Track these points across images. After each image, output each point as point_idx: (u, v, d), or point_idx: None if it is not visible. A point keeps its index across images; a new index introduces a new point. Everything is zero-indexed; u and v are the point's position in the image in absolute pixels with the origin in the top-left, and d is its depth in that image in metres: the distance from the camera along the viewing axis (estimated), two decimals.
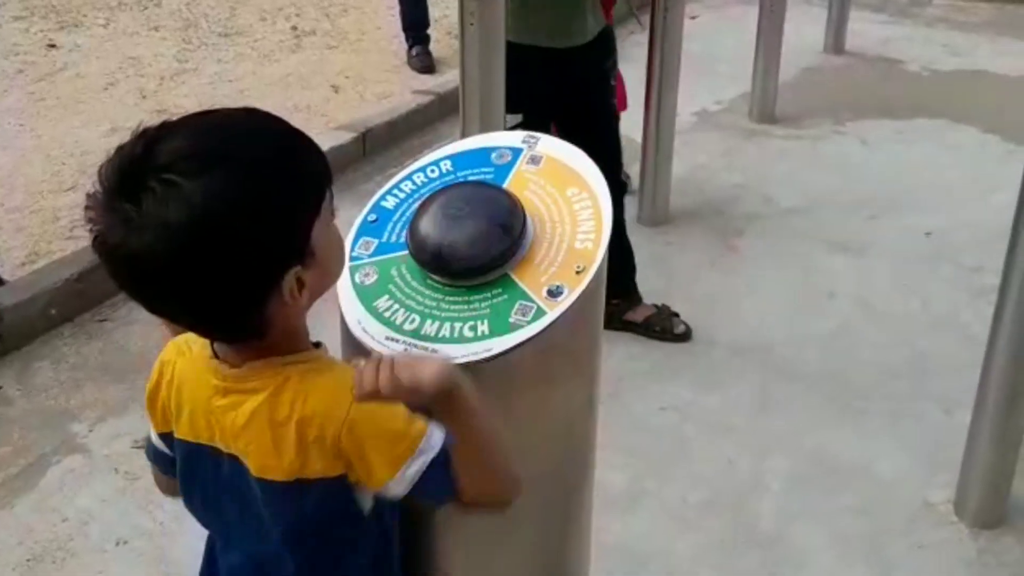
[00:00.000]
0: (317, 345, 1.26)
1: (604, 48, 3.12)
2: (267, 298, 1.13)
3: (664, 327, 3.25)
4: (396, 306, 1.40)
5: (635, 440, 2.74)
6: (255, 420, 1.19)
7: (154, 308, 1.15)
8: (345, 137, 4.44)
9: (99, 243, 1.08)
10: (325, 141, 4.19)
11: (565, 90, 3.04)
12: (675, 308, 3.30)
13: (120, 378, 3.03)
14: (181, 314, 1.16)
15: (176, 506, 2.53)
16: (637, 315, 3.26)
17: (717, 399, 2.97)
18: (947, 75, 5.64)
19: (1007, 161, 4.30)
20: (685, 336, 3.24)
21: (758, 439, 2.80)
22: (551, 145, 1.62)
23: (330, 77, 5.30)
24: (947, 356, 3.11)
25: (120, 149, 1.09)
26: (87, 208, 1.09)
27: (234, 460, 1.23)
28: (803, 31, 5.67)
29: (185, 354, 1.27)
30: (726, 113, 5.07)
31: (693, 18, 5.75)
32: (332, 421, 1.17)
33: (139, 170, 1.06)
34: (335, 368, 1.23)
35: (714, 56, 5.55)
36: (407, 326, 1.36)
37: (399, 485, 1.20)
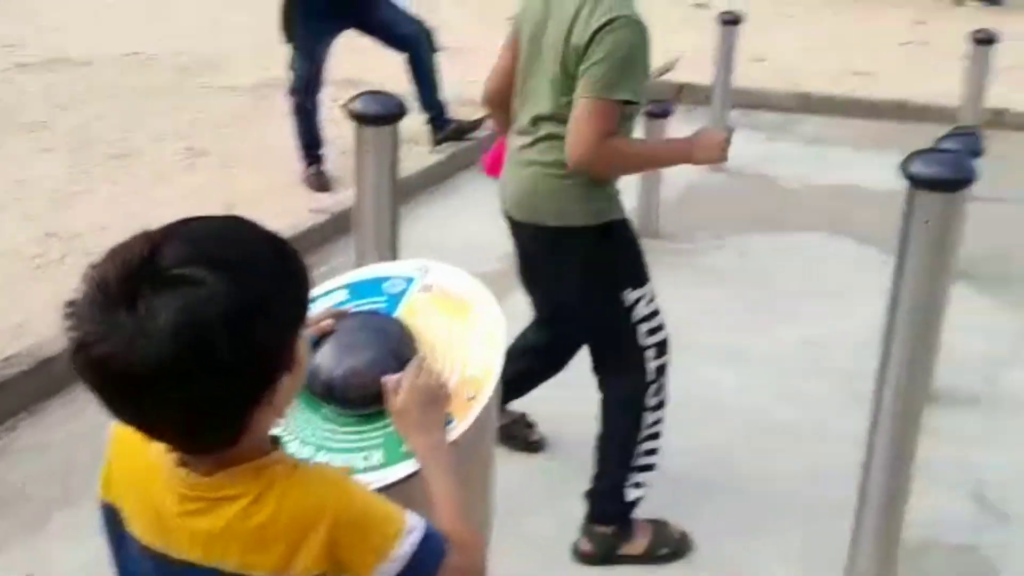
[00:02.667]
0: (275, 440, 1.25)
1: None
2: (255, 406, 1.12)
3: (522, 436, 3.26)
4: (291, 437, 1.42)
5: (528, 558, 2.75)
6: (235, 524, 1.16)
7: (133, 419, 1.10)
8: None
9: (85, 350, 1.03)
10: None
11: None
12: (569, 421, 3.34)
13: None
14: (166, 425, 1.11)
15: None
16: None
17: None
18: (822, 189, 5.94)
19: (880, 271, 4.49)
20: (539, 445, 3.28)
21: None
22: (444, 274, 1.67)
23: (225, 197, 5.31)
24: (830, 463, 3.22)
25: (116, 255, 1.05)
26: (71, 314, 1.04)
27: (187, 567, 1.20)
28: None
29: (139, 452, 1.22)
30: None
31: None
32: (323, 513, 1.17)
33: (142, 275, 1.03)
34: (311, 466, 1.25)
35: None
36: (301, 457, 1.38)
37: (393, 564, 1.20)
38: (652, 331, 2.69)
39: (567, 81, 2.45)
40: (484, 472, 1.61)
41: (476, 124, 6.19)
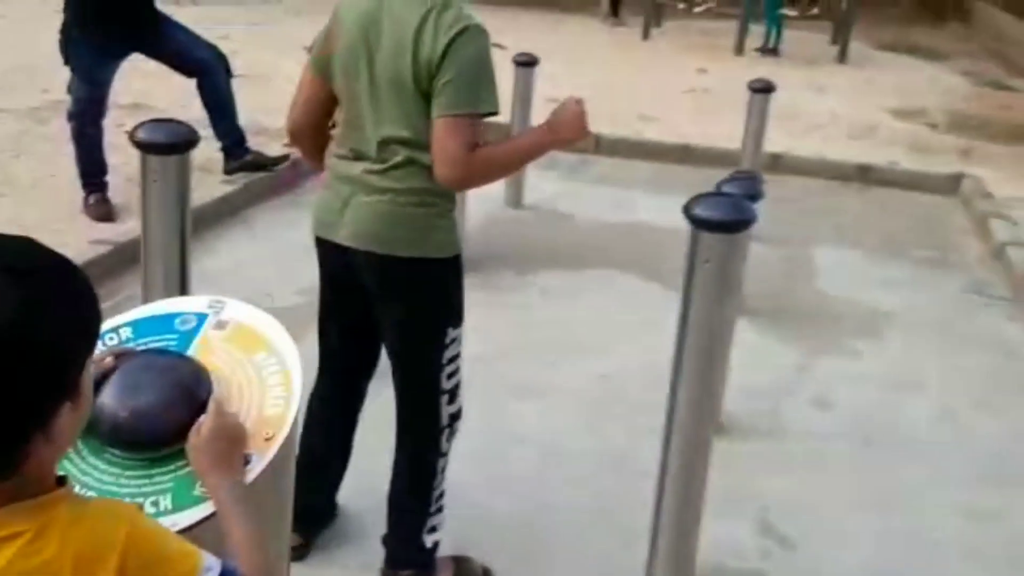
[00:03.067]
0: (62, 480, 1.19)
1: None
2: (35, 432, 1.08)
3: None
4: (70, 484, 1.33)
5: None
6: (16, 564, 1.09)
7: None
8: None
9: None
10: None
11: None
12: (372, 457, 3.29)
13: None
14: None
15: None
16: None
17: None
18: (613, 227, 6.14)
19: (666, 306, 4.68)
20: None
21: None
22: (238, 310, 1.62)
23: None
24: (625, 494, 3.30)
25: None
26: None
27: None
28: (485, 186, 5.99)
29: None
30: None
31: None
32: (112, 549, 1.11)
33: None
34: (98, 501, 1.22)
35: None
36: None
37: None
38: (451, 374, 2.64)
39: (421, 100, 2.36)
40: (281, 510, 1.56)
41: (278, 160, 6.05)
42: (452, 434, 2.70)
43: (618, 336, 4.55)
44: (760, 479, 3.49)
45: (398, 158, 2.43)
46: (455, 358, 2.64)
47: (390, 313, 2.61)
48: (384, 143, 2.44)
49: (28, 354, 1.04)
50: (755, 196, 3.41)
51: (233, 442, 1.39)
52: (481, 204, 5.61)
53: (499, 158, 2.47)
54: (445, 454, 2.71)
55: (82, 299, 1.14)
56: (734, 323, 2.64)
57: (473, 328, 4.50)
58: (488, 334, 4.48)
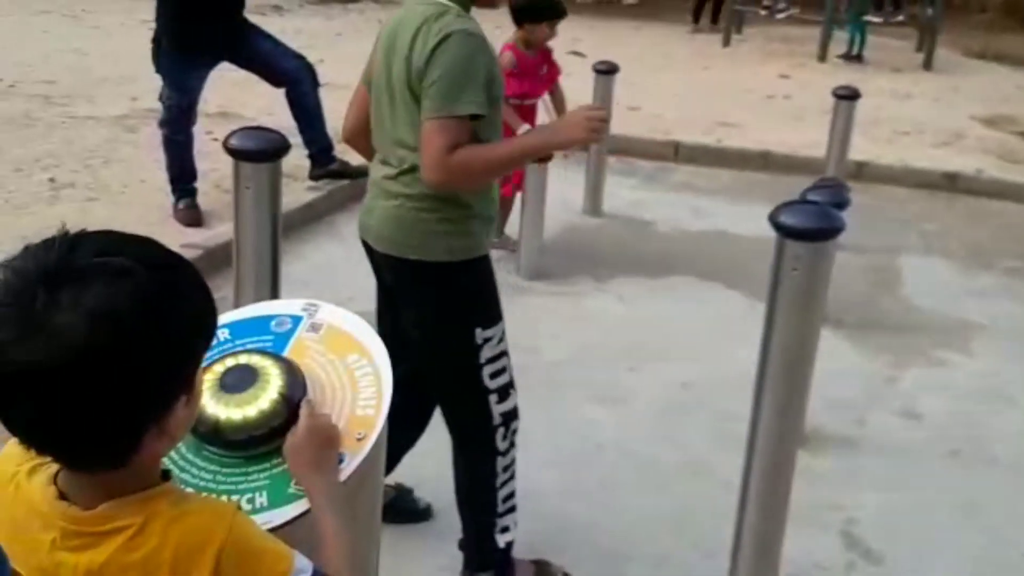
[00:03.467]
0: (166, 474, 1.22)
1: None
2: (151, 424, 1.10)
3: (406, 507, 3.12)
4: (173, 479, 1.37)
5: None
6: (118, 557, 1.12)
7: (23, 421, 1.07)
8: None
9: None
10: None
11: None
12: (445, 461, 3.31)
13: None
14: (57, 431, 1.07)
15: None
16: None
17: None
18: (693, 235, 6.10)
19: (749, 315, 4.65)
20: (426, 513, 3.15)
21: None
22: (331, 313, 1.65)
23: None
24: (706, 503, 3.27)
25: (32, 248, 1.05)
26: None
27: None
28: (564, 194, 6.02)
29: (18, 495, 1.18)
30: (495, 270, 5.24)
31: None
32: (211, 545, 1.13)
33: (60, 267, 1.03)
34: (199, 497, 1.24)
35: None
36: None
37: None
38: (495, 374, 2.62)
39: (417, 106, 2.42)
40: (371, 509, 1.59)
41: (361, 171, 6.12)
42: (509, 433, 2.69)
43: (699, 344, 4.52)
44: (845, 491, 3.43)
45: (407, 164, 2.50)
46: (497, 358, 2.62)
47: (407, 316, 2.66)
48: (396, 148, 2.53)
49: (152, 347, 1.06)
50: (841, 204, 3.36)
51: (327, 443, 1.41)
52: (559, 212, 5.63)
53: (481, 159, 2.45)
54: (504, 452, 2.68)
55: (201, 296, 1.17)
56: (819, 332, 2.59)
57: (552, 335, 4.56)
58: (567, 340, 4.49)
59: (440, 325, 2.61)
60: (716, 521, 3.02)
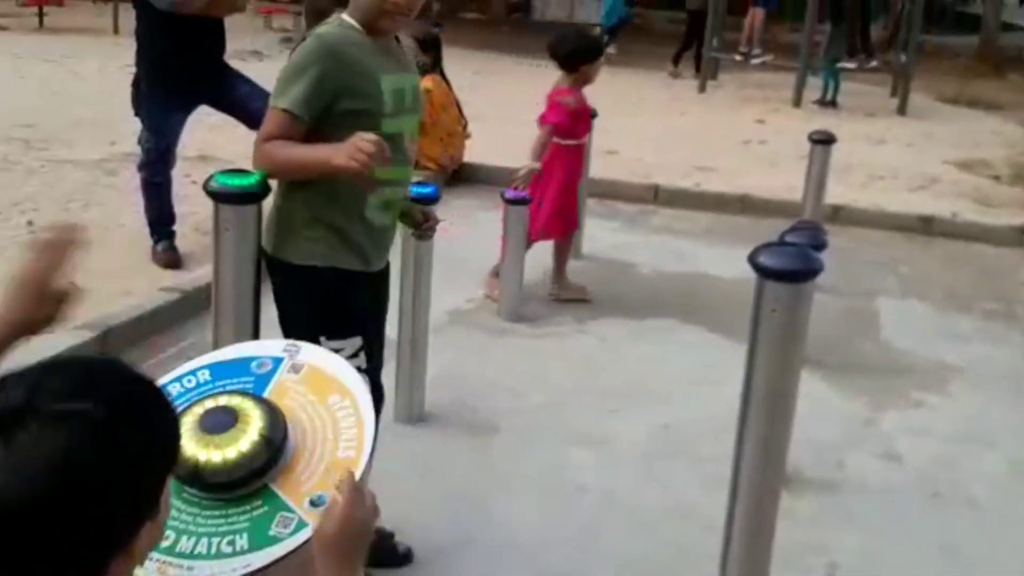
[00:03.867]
0: None
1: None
2: (117, 554, 1.07)
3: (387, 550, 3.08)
4: None
5: None
6: None
7: None
8: (85, 336, 4.26)
9: None
10: (63, 342, 4.00)
11: (380, 307, 2.99)
12: (432, 510, 3.30)
13: None
14: (18, 568, 1.04)
15: None
16: None
17: None
18: (674, 277, 6.12)
19: (730, 357, 4.65)
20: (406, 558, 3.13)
21: None
22: (313, 354, 1.65)
23: (69, 274, 5.09)
24: (691, 546, 3.25)
25: None
26: None
27: None
28: None
29: None
30: (477, 311, 5.26)
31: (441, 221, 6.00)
32: None
33: (23, 411, 1.01)
34: None
35: (464, 258, 5.78)
36: (162, 543, 1.31)
37: None
38: None
39: None
40: None
41: None
42: None
43: (680, 386, 4.52)
44: (827, 533, 3.42)
45: None
46: None
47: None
48: None
49: (117, 489, 1.04)
50: (819, 246, 3.38)
51: (362, 537, 1.34)
52: (540, 255, 5.64)
53: (278, 155, 2.55)
54: None
55: (168, 421, 1.15)
56: (799, 371, 2.60)
57: (532, 376, 4.56)
58: (547, 382, 4.48)
59: (286, 323, 2.69)
60: (702, 565, 3.00)
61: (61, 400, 1.03)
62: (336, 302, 2.65)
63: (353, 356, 2.62)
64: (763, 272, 2.43)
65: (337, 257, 2.63)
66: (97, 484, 1.02)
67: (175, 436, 1.16)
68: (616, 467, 3.80)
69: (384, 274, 2.90)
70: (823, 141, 6.13)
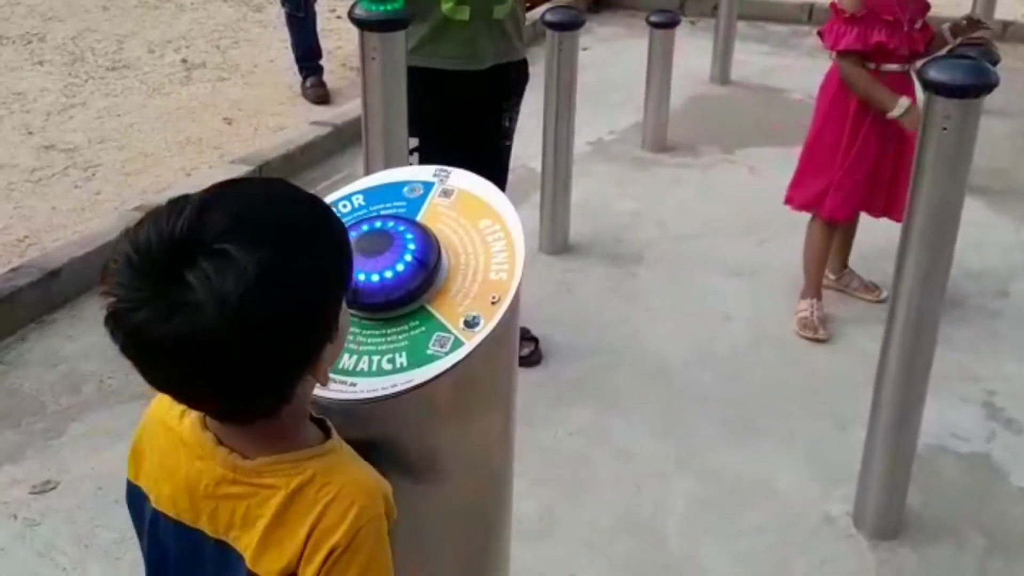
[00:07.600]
0: (322, 424, 1.22)
1: (505, 78, 3.04)
2: (300, 377, 1.09)
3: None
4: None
5: (543, 467, 2.77)
6: (270, 514, 1.14)
7: (167, 387, 1.07)
8: (240, 170, 4.38)
9: (122, 316, 0.99)
10: (220, 175, 4.14)
11: (466, 113, 2.97)
12: (580, 334, 3.34)
13: (15, 423, 2.93)
14: (203, 395, 1.07)
15: (79, 552, 2.46)
16: None
17: (621, 423, 3.01)
18: None
19: None
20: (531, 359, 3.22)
21: (662, 462, 2.85)
22: (462, 178, 1.64)
23: (222, 110, 5.24)
24: (839, 374, 3.22)
25: (157, 222, 1.01)
26: (108, 278, 1.00)
27: (221, 546, 1.17)
28: (690, 62, 5.83)
29: (171, 426, 1.20)
30: (620, 142, 5.18)
31: (584, 49, 5.86)
32: (338, 534, 1.12)
33: (184, 247, 0.99)
34: (352, 470, 1.20)
35: (607, 87, 5.67)
36: None
37: None
38: None
39: None
40: (507, 377, 1.59)
41: None
42: None
43: None
44: (985, 361, 3.33)
45: None
46: None
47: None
48: None
49: (298, 314, 1.04)
50: (992, 61, 3.16)
51: None
52: (685, 81, 5.47)
53: None
54: None
55: (334, 244, 1.12)
56: (964, 194, 2.48)
57: (677, 207, 4.49)
58: (693, 213, 4.42)
59: None
60: (850, 392, 2.97)
61: (223, 238, 1.00)
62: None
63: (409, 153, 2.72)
64: (932, 87, 2.28)
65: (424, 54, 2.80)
66: (265, 321, 1.00)
67: (344, 256, 1.14)
68: (764, 298, 3.75)
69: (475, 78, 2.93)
70: None
